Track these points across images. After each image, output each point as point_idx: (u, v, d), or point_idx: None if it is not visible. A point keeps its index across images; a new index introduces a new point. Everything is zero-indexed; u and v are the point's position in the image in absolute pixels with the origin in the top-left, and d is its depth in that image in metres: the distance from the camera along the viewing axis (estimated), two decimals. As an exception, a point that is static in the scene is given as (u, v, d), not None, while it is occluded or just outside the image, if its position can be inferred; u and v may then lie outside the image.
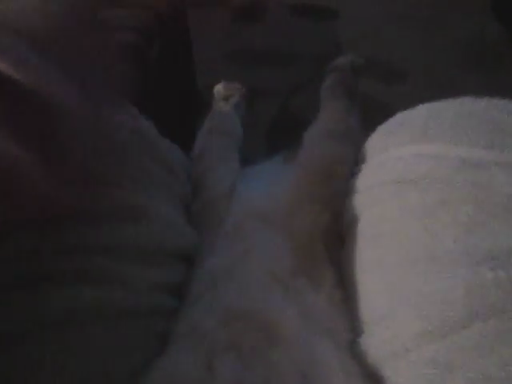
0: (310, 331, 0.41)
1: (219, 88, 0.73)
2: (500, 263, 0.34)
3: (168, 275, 0.47)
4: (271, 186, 0.58)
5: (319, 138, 0.54)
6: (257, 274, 0.46)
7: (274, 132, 1.17)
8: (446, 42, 1.37)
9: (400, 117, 0.50)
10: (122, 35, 0.74)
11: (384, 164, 0.47)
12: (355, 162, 0.53)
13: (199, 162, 0.61)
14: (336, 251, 0.49)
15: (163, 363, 0.41)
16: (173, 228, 0.48)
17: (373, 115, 0.54)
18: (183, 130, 1.04)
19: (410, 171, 0.43)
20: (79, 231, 0.39)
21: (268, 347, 0.39)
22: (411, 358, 0.36)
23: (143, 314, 0.43)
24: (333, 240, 0.50)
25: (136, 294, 0.42)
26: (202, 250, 0.52)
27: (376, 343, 0.40)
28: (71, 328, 0.36)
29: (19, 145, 0.33)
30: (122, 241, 0.42)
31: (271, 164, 0.68)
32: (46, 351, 0.35)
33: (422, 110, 0.48)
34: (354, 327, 0.43)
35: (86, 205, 0.40)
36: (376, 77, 1.20)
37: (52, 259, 0.37)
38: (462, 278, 0.35)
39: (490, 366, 0.31)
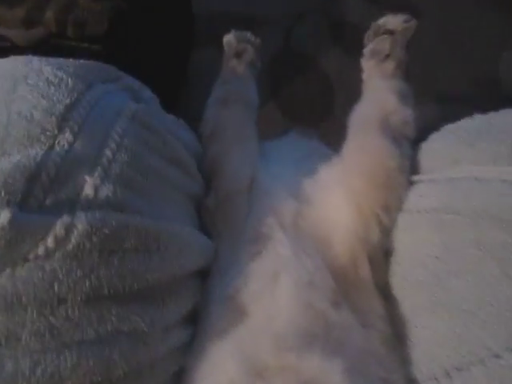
0: (359, 384, 0.35)
1: (230, 39, 0.59)
2: None
3: (182, 307, 0.39)
4: (297, 179, 0.48)
5: (372, 133, 0.44)
6: (290, 310, 0.38)
7: (277, 68, 1.04)
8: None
9: (481, 122, 0.40)
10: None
11: (459, 184, 0.38)
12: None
13: (212, 142, 0.50)
14: (382, 274, 0.42)
15: None
16: (188, 248, 0.39)
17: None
18: (176, 59, 0.90)
19: (495, 203, 0.35)
20: None
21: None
22: None
23: (160, 359, 0.35)
24: (379, 261, 0.42)
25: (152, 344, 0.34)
26: (220, 260, 0.44)
27: None
28: None
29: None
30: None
31: (288, 143, 0.57)
32: None
33: None
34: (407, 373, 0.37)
35: None
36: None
37: None
38: None
39: None
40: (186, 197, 0.43)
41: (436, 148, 0.42)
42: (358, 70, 0.53)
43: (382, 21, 0.52)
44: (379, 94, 0.47)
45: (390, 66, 0.49)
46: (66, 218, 0.30)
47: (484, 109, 0.41)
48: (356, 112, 0.48)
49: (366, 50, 0.52)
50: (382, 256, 0.42)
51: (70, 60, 0.40)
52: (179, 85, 0.92)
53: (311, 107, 0.98)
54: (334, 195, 0.44)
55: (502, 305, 0.33)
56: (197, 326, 0.40)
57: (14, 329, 0.28)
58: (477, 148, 0.38)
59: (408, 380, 0.37)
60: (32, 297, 0.29)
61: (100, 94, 0.38)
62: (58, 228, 0.30)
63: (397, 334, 0.39)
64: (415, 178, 0.42)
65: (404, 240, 0.41)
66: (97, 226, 0.31)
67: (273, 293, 0.39)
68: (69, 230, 0.30)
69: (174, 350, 0.37)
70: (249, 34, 0.60)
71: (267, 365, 0.35)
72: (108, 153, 0.35)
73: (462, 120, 0.43)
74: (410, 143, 0.44)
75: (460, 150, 0.39)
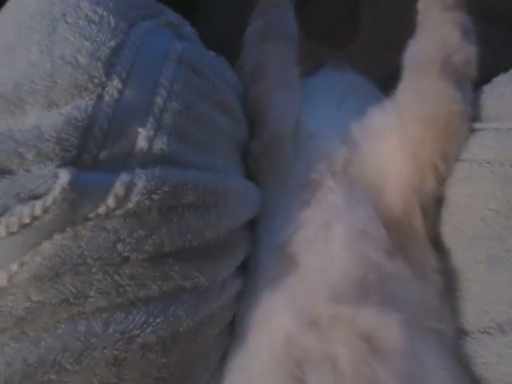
0: (414, 336, 0.35)
1: None
2: None
3: (237, 258, 0.38)
4: (344, 121, 0.46)
5: (432, 74, 0.40)
6: (344, 259, 0.37)
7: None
8: None
9: None
10: None
11: None
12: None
13: (254, 81, 0.47)
14: (434, 224, 0.41)
15: (242, 363, 0.36)
16: (244, 201, 0.38)
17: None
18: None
19: None
20: None
21: (371, 362, 0.33)
22: None
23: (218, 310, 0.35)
24: (432, 211, 0.41)
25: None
26: (267, 207, 0.43)
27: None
28: None
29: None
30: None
31: (326, 78, 0.54)
32: None
33: None
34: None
35: None
36: None
37: None
38: None
39: None
40: (234, 144, 0.41)
41: (504, 93, 0.39)
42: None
43: None
44: (440, 28, 0.43)
45: None
46: (124, 177, 0.29)
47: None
48: (413, 48, 0.44)
49: None
50: (435, 205, 0.41)
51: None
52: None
53: (337, 28, 0.91)
54: (387, 142, 0.42)
55: None
56: (248, 275, 0.40)
57: (81, 287, 0.28)
58: None
59: (458, 330, 0.37)
60: (96, 256, 0.28)
61: (144, 33, 0.35)
62: (118, 187, 0.28)
63: (448, 286, 0.39)
64: (477, 125, 0.39)
65: (460, 191, 0.39)
66: (156, 184, 0.30)
67: (325, 241, 0.39)
68: (129, 188, 0.29)
69: (229, 300, 0.37)
70: None
71: (322, 316, 0.35)
72: (159, 101, 0.33)
73: None
74: (471, 85, 0.41)
75: None
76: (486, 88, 0.42)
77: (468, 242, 0.38)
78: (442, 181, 0.40)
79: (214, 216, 0.34)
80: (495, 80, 0.41)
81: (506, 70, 0.41)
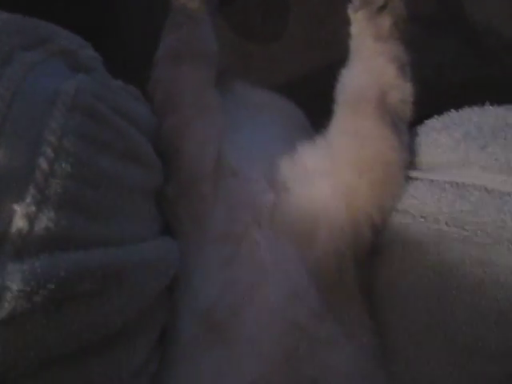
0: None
1: None
2: None
3: (152, 337, 0.33)
4: (270, 155, 0.41)
5: (367, 115, 0.36)
6: (275, 330, 0.34)
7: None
8: None
9: (496, 119, 0.35)
10: None
11: (466, 193, 0.33)
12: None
13: (167, 111, 0.40)
14: (367, 275, 0.38)
15: None
16: (156, 271, 0.32)
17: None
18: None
19: (510, 224, 0.31)
20: None
21: None
22: None
23: None
24: (365, 263, 0.38)
25: None
26: (185, 262, 0.37)
27: None
28: None
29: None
30: None
31: (247, 98, 0.48)
32: None
33: None
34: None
35: None
36: None
37: None
38: None
39: None
40: (146, 195, 0.35)
41: (439, 141, 0.36)
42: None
43: None
44: (374, 61, 0.39)
45: (385, 22, 0.40)
46: None
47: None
48: (346, 81, 0.40)
49: None
50: (368, 257, 0.38)
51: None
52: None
53: (265, 24, 0.85)
54: (318, 186, 0.38)
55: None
56: (165, 345, 0.35)
57: None
58: (489, 152, 0.33)
59: None
60: None
61: (24, 70, 0.28)
62: None
63: (382, 344, 0.36)
64: (412, 173, 0.37)
65: (393, 241, 0.37)
66: (38, 283, 0.24)
67: (252, 308, 0.35)
68: None
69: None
70: None
71: None
72: (43, 164, 0.26)
73: (470, 109, 0.36)
74: (407, 127, 0.38)
75: (469, 150, 0.34)
76: (420, 131, 0.39)
77: (402, 300, 0.36)
78: (377, 233, 0.37)
79: (117, 301, 0.28)
80: (429, 123, 0.39)
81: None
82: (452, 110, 0.38)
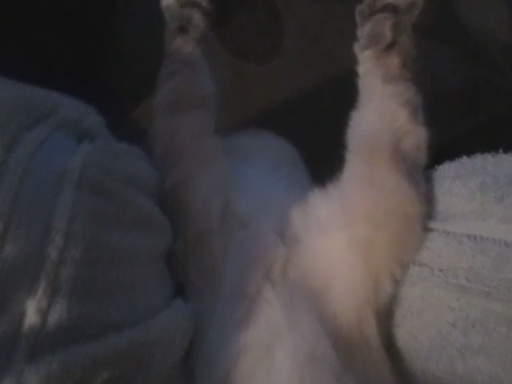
0: None
1: (170, 3, 0.44)
2: None
3: None
4: (279, 205, 0.40)
5: (382, 164, 0.35)
6: None
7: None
8: None
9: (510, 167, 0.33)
10: None
11: (485, 247, 0.32)
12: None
13: (169, 165, 0.39)
14: (388, 328, 0.37)
15: None
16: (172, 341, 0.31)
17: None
18: None
19: None
20: None
21: None
22: None
23: None
24: (387, 317, 0.36)
25: None
26: (199, 324, 0.36)
27: None
28: None
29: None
30: None
31: (254, 146, 0.47)
32: None
33: None
34: None
35: None
36: None
37: None
38: None
39: None
40: (158, 259, 0.34)
41: (453, 190, 0.35)
42: None
43: None
44: (385, 104, 0.37)
45: (394, 61, 0.38)
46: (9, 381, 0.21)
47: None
48: (356, 126, 0.38)
49: (361, 33, 0.40)
50: (389, 310, 0.36)
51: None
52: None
53: (259, 42, 0.83)
54: (332, 238, 0.36)
55: None
56: None
57: None
58: (506, 204, 0.31)
59: None
60: None
61: (30, 151, 0.27)
62: None
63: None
64: (428, 223, 0.35)
65: (412, 293, 0.35)
66: (55, 380, 0.23)
67: (269, 373, 0.33)
68: None
69: None
70: None
71: None
72: (53, 253, 0.25)
73: (483, 156, 0.35)
74: (422, 175, 0.36)
75: (485, 202, 0.32)
76: (433, 177, 0.37)
77: (425, 354, 0.34)
78: (397, 285, 0.35)
79: (137, 381, 0.27)
80: (441, 170, 0.37)
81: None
82: (464, 157, 0.36)
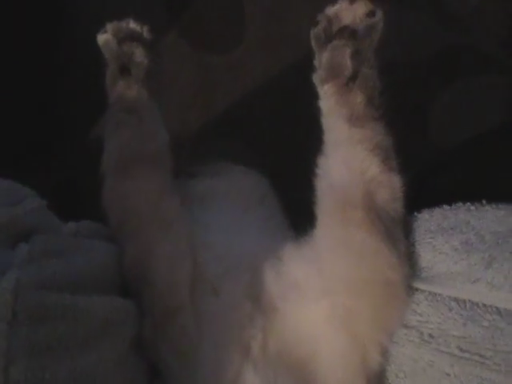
0: None
1: (108, 39, 0.38)
2: None
3: None
4: (251, 263, 0.37)
5: (356, 225, 0.31)
6: None
7: None
8: None
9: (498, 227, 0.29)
10: None
11: (477, 315, 0.29)
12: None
13: (125, 237, 0.35)
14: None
15: None
16: None
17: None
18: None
19: None
20: None
21: None
22: None
23: None
24: (378, 381, 0.34)
25: None
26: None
27: None
28: None
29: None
30: None
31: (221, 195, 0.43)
32: None
33: None
34: None
35: None
36: None
37: None
38: None
39: None
40: (121, 361, 0.31)
41: (436, 247, 0.31)
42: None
43: (331, 10, 0.34)
44: (353, 152, 0.33)
45: (357, 98, 0.33)
46: None
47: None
48: (325, 177, 0.34)
49: (318, 63, 0.35)
50: (382, 372, 0.34)
51: None
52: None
53: (222, 31, 0.76)
54: (313, 309, 0.33)
55: None
56: None
57: None
58: (496, 268, 0.29)
59: None
60: None
61: None
62: None
63: None
64: (415, 284, 0.32)
65: (402, 353, 0.33)
66: None
67: None
68: None
69: None
70: (132, 24, 0.40)
71: None
72: None
73: (465, 207, 0.31)
74: (401, 229, 0.33)
75: (472, 264, 0.29)
76: (414, 228, 0.34)
77: None
78: (385, 352, 0.33)
79: None
80: (421, 219, 0.34)
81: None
82: (444, 206, 0.32)
